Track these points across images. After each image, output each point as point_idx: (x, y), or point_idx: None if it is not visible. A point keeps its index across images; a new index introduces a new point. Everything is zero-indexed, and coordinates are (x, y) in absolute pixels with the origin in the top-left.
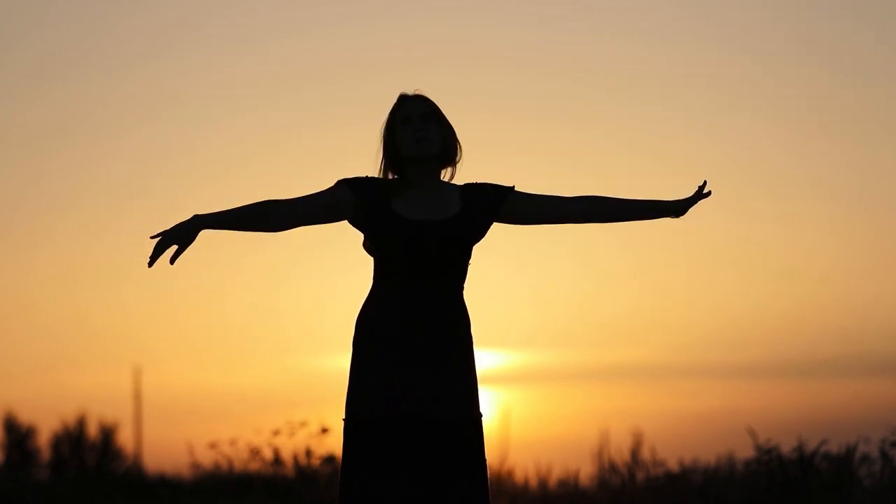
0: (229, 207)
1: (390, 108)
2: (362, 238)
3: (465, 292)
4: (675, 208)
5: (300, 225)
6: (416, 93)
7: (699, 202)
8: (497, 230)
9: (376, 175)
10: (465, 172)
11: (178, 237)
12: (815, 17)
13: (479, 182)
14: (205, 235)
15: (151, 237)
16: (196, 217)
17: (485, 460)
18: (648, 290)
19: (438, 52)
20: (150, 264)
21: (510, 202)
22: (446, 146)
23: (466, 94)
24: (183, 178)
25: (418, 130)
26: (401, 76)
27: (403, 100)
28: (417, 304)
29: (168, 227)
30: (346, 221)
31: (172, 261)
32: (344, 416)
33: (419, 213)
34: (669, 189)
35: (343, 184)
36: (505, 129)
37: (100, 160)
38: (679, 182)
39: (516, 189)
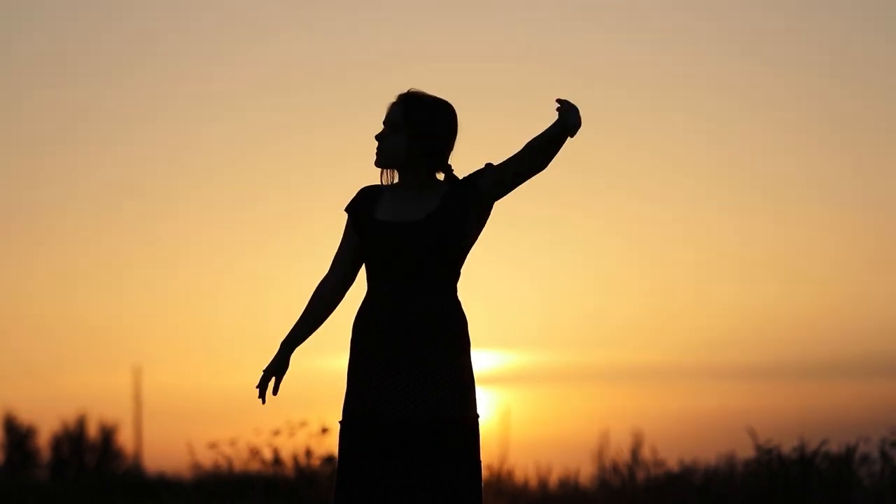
0: (299, 315)
1: (388, 108)
2: None
3: (465, 293)
4: (561, 126)
5: (358, 268)
6: (409, 93)
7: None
8: (498, 230)
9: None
10: (467, 172)
11: (277, 369)
12: (815, 16)
13: (463, 177)
14: (205, 234)
15: (257, 386)
16: (283, 343)
17: (479, 461)
18: (649, 291)
19: (438, 52)
20: (262, 400)
21: (485, 182)
22: (415, 153)
23: (467, 94)
24: (182, 178)
25: (380, 140)
26: (400, 76)
27: (390, 104)
28: (404, 306)
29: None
30: (345, 215)
31: (275, 391)
32: (340, 419)
33: (395, 216)
34: (669, 188)
35: (347, 211)
36: (505, 128)
37: (99, 161)
38: (679, 182)
39: (489, 165)
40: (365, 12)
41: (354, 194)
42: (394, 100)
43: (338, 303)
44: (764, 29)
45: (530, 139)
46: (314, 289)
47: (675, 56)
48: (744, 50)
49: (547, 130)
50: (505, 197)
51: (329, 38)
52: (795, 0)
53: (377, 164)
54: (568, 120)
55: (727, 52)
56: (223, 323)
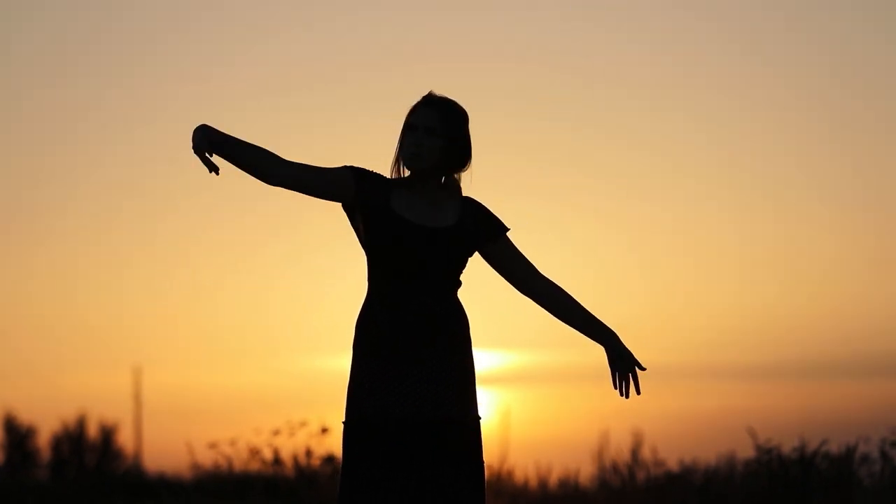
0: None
1: (381, 107)
2: (359, 235)
3: (465, 293)
4: (612, 347)
5: (294, 188)
6: (441, 98)
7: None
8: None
9: (388, 168)
10: (470, 172)
11: (203, 143)
12: (815, 16)
13: (480, 203)
14: (205, 234)
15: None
16: (204, 125)
17: (482, 463)
18: (649, 291)
19: (438, 52)
20: (212, 170)
21: (499, 243)
22: (448, 159)
23: (467, 94)
24: (181, 178)
25: (417, 144)
26: (400, 76)
27: (420, 105)
28: (402, 306)
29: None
30: (344, 216)
31: (213, 167)
32: (343, 419)
33: (417, 217)
34: (669, 188)
35: (348, 170)
36: (506, 128)
37: (99, 161)
38: (679, 182)
39: (508, 234)
40: (365, 12)
41: (367, 167)
42: (393, 97)
43: (258, 168)
44: (764, 29)
45: (573, 300)
46: (270, 151)
47: (675, 56)
48: (744, 50)
49: (601, 325)
50: (506, 196)
51: (329, 38)
52: (795, 0)
53: (412, 165)
54: (622, 359)
55: (727, 52)
56: (223, 323)
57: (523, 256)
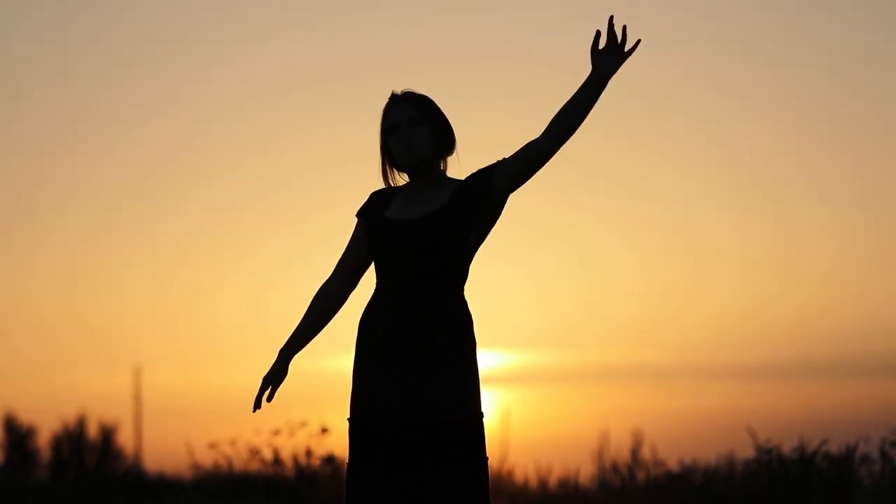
0: (297, 322)
1: (381, 107)
2: None
3: (467, 292)
4: (597, 72)
5: (360, 275)
6: (404, 92)
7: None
8: (497, 229)
9: (381, 176)
10: (467, 171)
11: (274, 378)
12: (815, 16)
13: (477, 170)
14: (205, 234)
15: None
16: (281, 351)
17: (484, 459)
18: (649, 291)
19: (438, 52)
20: (256, 407)
21: (498, 174)
22: (439, 143)
23: (467, 94)
24: (181, 178)
25: (406, 138)
26: (400, 76)
27: (390, 105)
28: (401, 307)
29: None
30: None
31: (270, 398)
32: (348, 416)
33: (403, 214)
34: (669, 188)
35: (358, 221)
36: (505, 128)
37: (99, 161)
38: (679, 182)
39: (502, 159)
40: (365, 12)
41: (368, 195)
42: (385, 103)
43: (337, 309)
44: (764, 29)
45: (562, 114)
46: (314, 294)
47: (675, 56)
48: (744, 50)
49: (580, 90)
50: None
51: (329, 38)
52: (795, 0)
53: (410, 160)
54: (609, 66)
55: (727, 52)
56: (223, 323)
57: (520, 155)
